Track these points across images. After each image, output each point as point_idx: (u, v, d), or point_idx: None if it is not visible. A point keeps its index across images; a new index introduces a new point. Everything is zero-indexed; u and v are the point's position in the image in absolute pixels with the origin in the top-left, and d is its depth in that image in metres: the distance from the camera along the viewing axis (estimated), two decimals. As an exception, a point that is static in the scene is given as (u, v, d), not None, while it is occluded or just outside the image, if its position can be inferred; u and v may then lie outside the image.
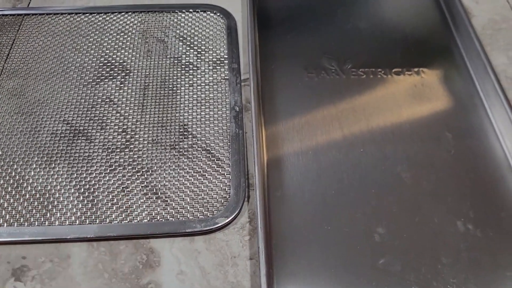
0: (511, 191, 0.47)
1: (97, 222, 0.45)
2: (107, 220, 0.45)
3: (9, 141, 0.50)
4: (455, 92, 0.55)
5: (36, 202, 0.46)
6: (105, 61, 0.58)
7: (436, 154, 0.50)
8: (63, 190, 0.47)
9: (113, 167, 0.48)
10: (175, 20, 0.62)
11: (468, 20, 0.60)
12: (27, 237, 0.43)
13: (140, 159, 0.49)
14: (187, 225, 0.44)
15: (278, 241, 0.44)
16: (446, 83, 0.56)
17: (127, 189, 0.47)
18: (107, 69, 0.57)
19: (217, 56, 0.58)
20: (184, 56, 0.58)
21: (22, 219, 0.45)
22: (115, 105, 0.54)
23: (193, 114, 0.53)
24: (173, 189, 0.47)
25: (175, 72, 0.57)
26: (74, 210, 0.45)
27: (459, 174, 0.48)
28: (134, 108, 0.53)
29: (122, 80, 0.56)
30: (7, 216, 0.45)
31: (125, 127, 0.52)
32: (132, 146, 0.50)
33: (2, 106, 0.53)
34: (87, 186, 0.47)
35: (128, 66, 0.57)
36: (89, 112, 0.53)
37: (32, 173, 0.48)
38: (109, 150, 0.50)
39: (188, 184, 0.47)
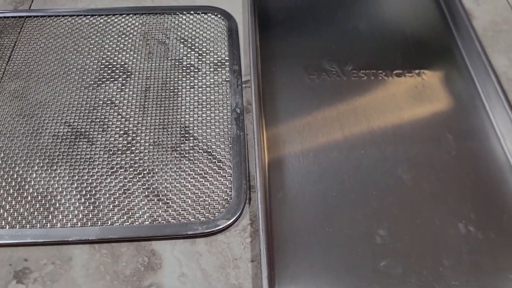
0: (513, 193, 0.47)
1: (99, 224, 0.45)
2: (109, 222, 0.45)
3: (11, 143, 0.50)
4: (456, 94, 0.55)
5: (38, 204, 0.46)
6: (106, 63, 0.58)
7: (437, 156, 0.50)
8: (64, 192, 0.47)
9: (115, 169, 0.49)
10: (176, 22, 0.62)
11: (469, 22, 0.60)
12: (29, 239, 0.44)
13: (141, 161, 0.49)
14: (189, 227, 0.44)
15: (279, 243, 0.44)
16: (447, 85, 0.56)
17: (129, 191, 0.47)
18: (109, 71, 0.57)
19: (218, 58, 0.58)
20: (185, 58, 0.58)
21: (24, 221, 0.45)
22: (117, 107, 0.54)
23: (194, 116, 0.53)
24: (175, 191, 0.47)
25: (176, 74, 0.57)
26: (76, 212, 0.46)
27: (460, 176, 0.48)
28: (135, 110, 0.53)
29: (124, 82, 0.56)
30: (9, 218, 0.45)
31: (126, 129, 0.52)
32: (133, 148, 0.50)
33: (4, 108, 0.53)
34: (89, 188, 0.47)
35: (129, 68, 0.57)
36: (91, 114, 0.53)
37: (34, 175, 0.48)
38: (111, 152, 0.50)
39: (189, 186, 0.47)
